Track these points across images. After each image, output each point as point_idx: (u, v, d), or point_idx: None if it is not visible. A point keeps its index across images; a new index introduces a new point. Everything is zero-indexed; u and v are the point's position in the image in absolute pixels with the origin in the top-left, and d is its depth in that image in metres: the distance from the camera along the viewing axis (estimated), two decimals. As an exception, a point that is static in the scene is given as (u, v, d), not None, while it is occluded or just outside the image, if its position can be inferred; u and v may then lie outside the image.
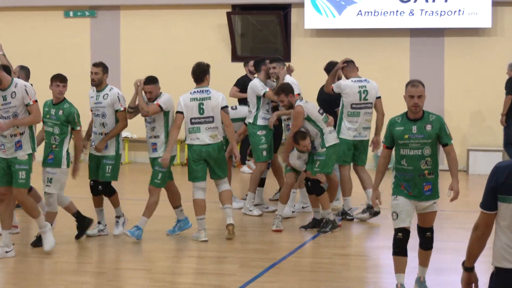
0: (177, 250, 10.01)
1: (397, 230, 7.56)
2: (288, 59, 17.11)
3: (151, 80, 10.30)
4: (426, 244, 7.82)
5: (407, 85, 7.56)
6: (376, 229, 11.22)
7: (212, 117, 10.22)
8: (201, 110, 10.21)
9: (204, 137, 10.20)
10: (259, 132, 11.80)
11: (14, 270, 9.08)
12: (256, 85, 11.80)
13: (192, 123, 10.21)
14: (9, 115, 9.19)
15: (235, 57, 17.87)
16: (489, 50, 16.81)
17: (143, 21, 18.29)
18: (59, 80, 9.93)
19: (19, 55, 17.95)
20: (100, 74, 10.37)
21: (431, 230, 7.79)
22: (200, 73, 10.32)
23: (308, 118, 10.62)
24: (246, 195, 12.25)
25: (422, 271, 7.92)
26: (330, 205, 10.73)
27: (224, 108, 10.28)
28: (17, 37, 18.63)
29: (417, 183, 7.52)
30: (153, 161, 10.32)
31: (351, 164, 11.69)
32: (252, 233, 10.99)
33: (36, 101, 9.26)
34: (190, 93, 10.29)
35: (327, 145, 10.66)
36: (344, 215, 11.54)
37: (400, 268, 7.63)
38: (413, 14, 16.77)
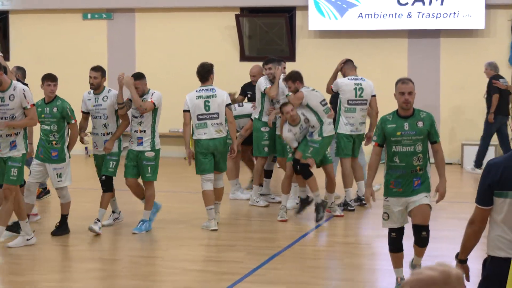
0: (187, 239, 9.97)
1: (391, 230, 7.41)
2: (293, 59, 17.06)
3: (138, 76, 10.16)
4: (422, 243, 7.51)
5: (397, 83, 7.37)
6: (375, 219, 11.15)
7: (217, 113, 10.21)
8: (207, 107, 10.19)
9: (211, 131, 10.19)
10: (262, 128, 11.74)
11: (34, 257, 9.08)
12: (261, 82, 11.74)
13: (199, 119, 10.20)
14: (6, 117, 9.05)
15: (243, 57, 17.81)
16: (482, 50, 16.71)
17: (157, 23, 18.24)
18: (50, 79, 9.82)
19: (39, 56, 18.00)
20: (99, 79, 10.18)
21: (426, 229, 7.43)
22: (205, 73, 10.30)
23: (308, 106, 10.62)
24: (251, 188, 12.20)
25: (417, 260, 7.77)
26: (318, 187, 10.66)
27: (228, 105, 10.31)
28: (37, 38, 18.60)
29: (408, 179, 7.30)
30: (138, 154, 10.14)
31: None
32: (259, 223, 10.97)
33: (33, 104, 9.15)
34: (196, 91, 10.29)
35: (324, 135, 10.64)
36: (346, 205, 11.50)
37: (398, 264, 7.53)
38: (410, 16, 16.68)
